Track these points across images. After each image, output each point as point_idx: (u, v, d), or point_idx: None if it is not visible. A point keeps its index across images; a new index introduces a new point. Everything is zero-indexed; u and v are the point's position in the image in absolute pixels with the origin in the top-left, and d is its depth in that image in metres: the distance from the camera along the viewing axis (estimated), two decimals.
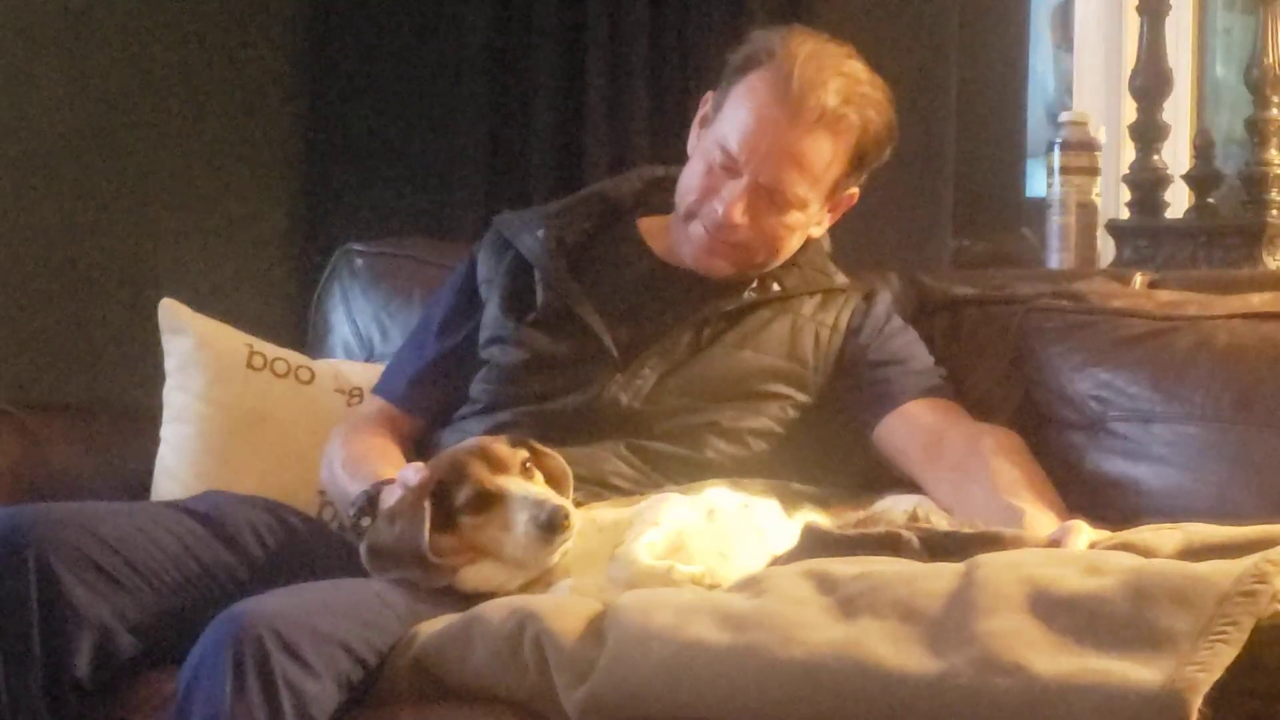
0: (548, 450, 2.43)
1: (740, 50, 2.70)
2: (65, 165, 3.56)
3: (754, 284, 2.74)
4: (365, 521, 2.50)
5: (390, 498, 2.45)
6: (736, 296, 2.72)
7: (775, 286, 2.74)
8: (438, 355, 2.83)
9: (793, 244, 2.74)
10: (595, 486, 2.53)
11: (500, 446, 2.38)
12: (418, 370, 2.84)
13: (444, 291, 2.91)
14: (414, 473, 2.42)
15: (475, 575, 2.35)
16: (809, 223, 2.73)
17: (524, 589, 2.32)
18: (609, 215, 2.85)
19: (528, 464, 2.38)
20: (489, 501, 2.34)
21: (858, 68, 2.69)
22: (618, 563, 2.26)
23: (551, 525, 2.29)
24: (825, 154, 2.64)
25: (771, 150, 2.62)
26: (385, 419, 2.81)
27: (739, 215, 2.64)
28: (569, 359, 2.68)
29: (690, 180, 2.71)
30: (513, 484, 2.33)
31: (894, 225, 3.42)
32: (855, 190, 2.76)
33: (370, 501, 2.51)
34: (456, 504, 2.35)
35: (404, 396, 2.83)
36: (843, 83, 2.64)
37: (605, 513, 2.40)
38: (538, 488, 2.34)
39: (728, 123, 2.66)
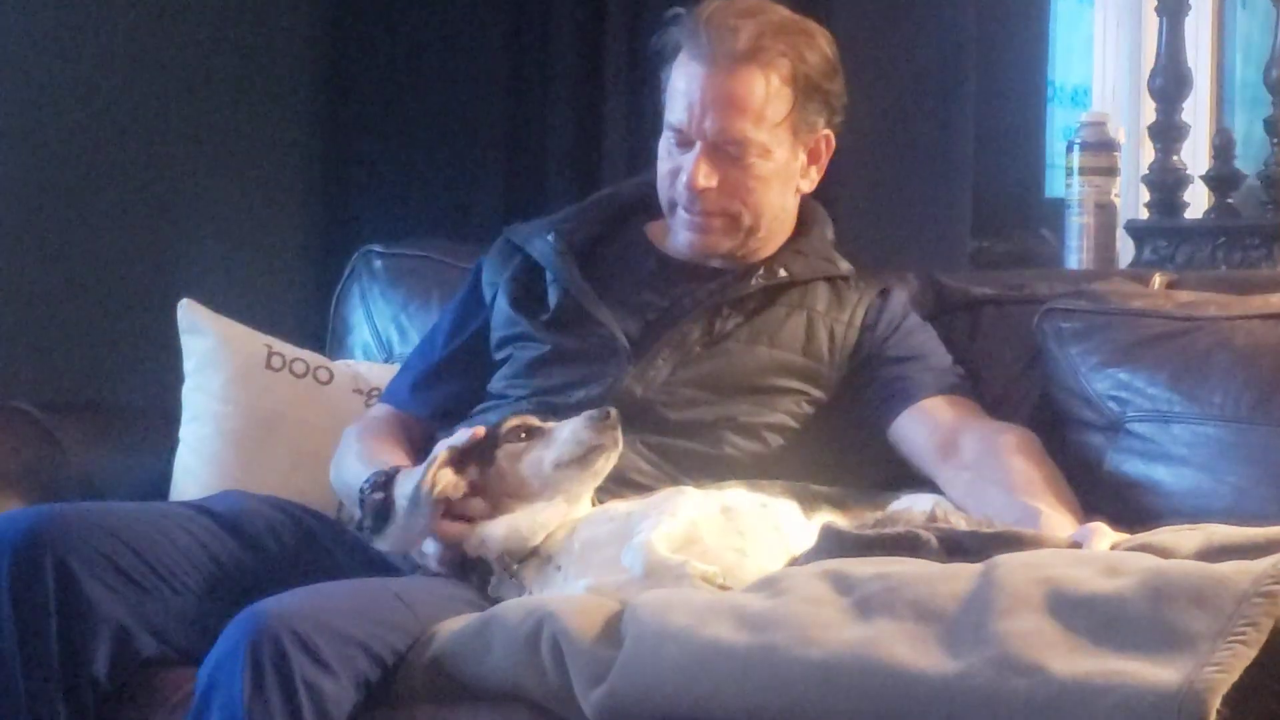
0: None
1: (662, 42, 2.72)
2: (84, 166, 3.57)
3: (761, 271, 2.74)
4: (377, 496, 2.50)
5: (407, 481, 2.46)
6: (745, 283, 2.72)
7: (782, 272, 2.74)
8: (442, 358, 2.85)
9: (775, 198, 2.72)
10: (615, 484, 2.53)
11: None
12: (421, 373, 2.86)
13: (449, 304, 2.94)
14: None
15: (493, 529, 2.38)
16: (784, 172, 2.71)
17: (539, 561, 2.35)
18: (617, 218, 2.87)
19: None
20: (530, 433, 2.43)
21: (774, 9, 2.70)
22: (633, 552, 2.26)
23: (603, 414, 2.39)
24: (758, 89, 2.64)
25: (706, 105, 2.64)
26: (392, 423, 2.81)
27: (703, 178, 2.65)
28: (584, 354, 2.69)
29: (660, 171, 2.73)
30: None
31: (913, 225, 3.43)
32: (828, 132, 2.74)
33: (387, 479, 2.51)
34: (499, 436, 2.43)
35: (408, 400, 2.84)
36: (753, 22, 2.65)
37: (618, 505, 2.42)
38: None
39: (668, 105, 2.70)
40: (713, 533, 2.31)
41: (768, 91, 2.64)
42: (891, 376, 2.69)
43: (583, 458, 2.40)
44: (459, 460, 2.43)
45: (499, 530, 2.39)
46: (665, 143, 2.72)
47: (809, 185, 2.78)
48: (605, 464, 2.42)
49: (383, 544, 2.43)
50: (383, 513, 2.47)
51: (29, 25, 3.46)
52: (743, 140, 2.65)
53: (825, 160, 2.77)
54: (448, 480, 2.40)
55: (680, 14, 2.71)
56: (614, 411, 2.42)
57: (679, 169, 2.69)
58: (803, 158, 2.73)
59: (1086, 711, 1.76)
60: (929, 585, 1.97)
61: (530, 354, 2.73)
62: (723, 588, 2.19)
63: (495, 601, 2.35)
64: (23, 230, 3.47)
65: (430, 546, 2.44)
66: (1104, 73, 3.85)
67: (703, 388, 2.66)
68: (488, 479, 2.43)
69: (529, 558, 2.38)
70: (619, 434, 2.42)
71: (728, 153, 2.66)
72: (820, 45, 2.69)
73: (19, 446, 2.94)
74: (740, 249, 2.74)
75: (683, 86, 2.66)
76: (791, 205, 2.77)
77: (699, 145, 2.66)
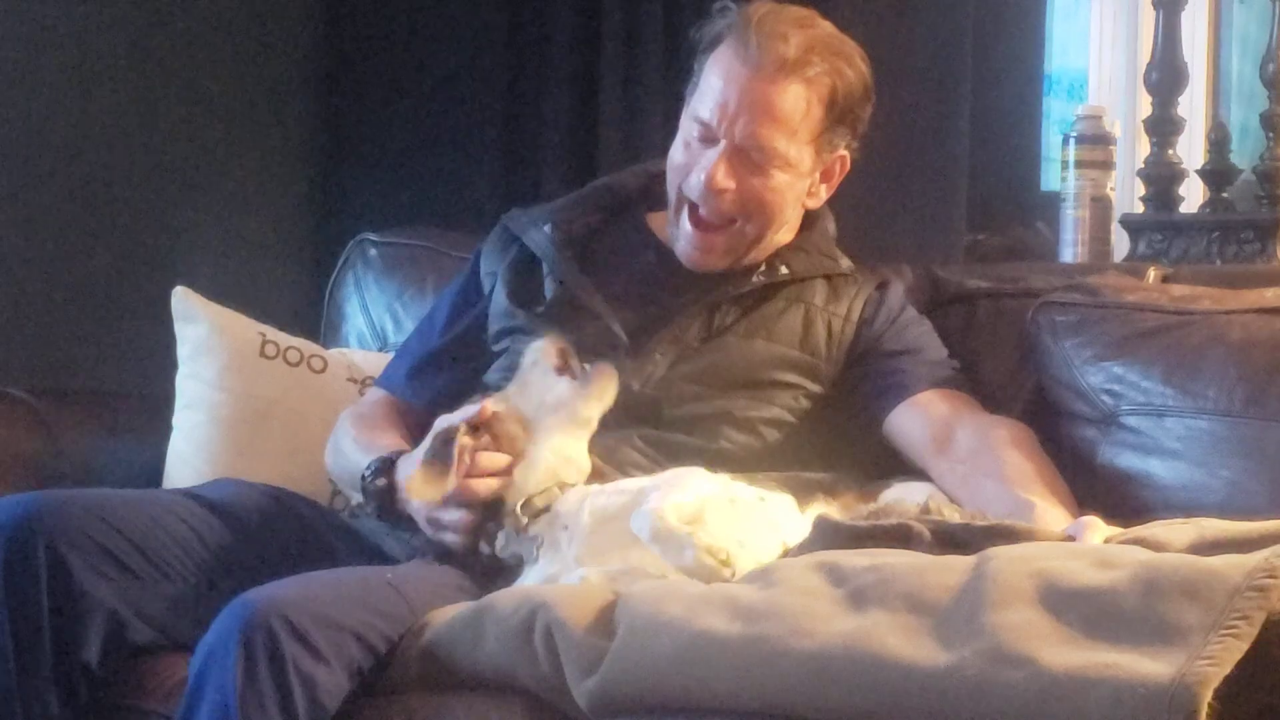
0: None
1: (703, 31, 2.70)
2: (81, 154, 3.56)
3: (762, 268, 2.73)
4: (380, 482, 2.51)
5: (407, 464, 2.46)
6: (745, 280, 2.71)
7: (783, 270, 2.73)
8: (440, 346, 2.84)
9: (785, 211, 2.72)
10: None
11: None
12: (418, 360, 2.85)
13: (448, 289, 2.92)
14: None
15: (527, 470, 2.40)
16: (798, 187, 2.70)
17: (550, 518, 2.37)
18: (616, 208, 2.85)
19: None
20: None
21: (821, 23, 2.69)
22: (642, 517, 2.25)
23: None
24: (797, 103, 2.62)
25: (742, 106, 2.61)
26: (388, 409, 2.81)
27: (721, 178, 2.63)
28: (580, 347, 2.67)
29: (673, 161, 2.70)
30: None
31: (909, 218, 3.42)
32: (845, 154, 2.74)
33: (389, 465, 2.51)
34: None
35: (405, 387, 2.83)
36: (803, 35, 2.63)
37: (631, 480, 2.41)
38: None
39: (699, 96, 2.67)
40: (718, 518, 2.30)
41: (806, 108, 2.63)
42: (887, 370, 2.69)
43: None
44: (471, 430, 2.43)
45: (518, 472, 2.41)
46: (684, 134, 2.69)
47: (815, 203, 2.77)
48: (604, 384, 2.44)
49: (411, 487, 2.42)
50: (386, 499, 2.48)
51: (28, 13, 3.46)
52: (770, 150, 2.63)
53: (837, 181, 2.77)
54: (464, 439, 2.40)
55: (728, 7, 2.68)
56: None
57: (697, 165, 2.66)
58: (817, 175, 2.73)
59: (1077, 704, 1.76)
60: (921, 577, 1.97)
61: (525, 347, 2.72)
62: (724, 564, 2.19)
63: (502, 563, 2.37)
64: (17, 217, 3.47)
65: (453, 513, 2.44)
66: (1100, 66, 3.86)
67: (700, 383, 2.65)
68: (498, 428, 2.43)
69: (541, 514, 2.38)
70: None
71: (751, 159, 2.63)
72: (860, 68, 2.68)
73: (12, 433, 2.94)
74: (738, 262, 2.73)
75: (719, 84, 2.63)
76: (795, 218, 2.76)
77: (723, 145, 2.63)
